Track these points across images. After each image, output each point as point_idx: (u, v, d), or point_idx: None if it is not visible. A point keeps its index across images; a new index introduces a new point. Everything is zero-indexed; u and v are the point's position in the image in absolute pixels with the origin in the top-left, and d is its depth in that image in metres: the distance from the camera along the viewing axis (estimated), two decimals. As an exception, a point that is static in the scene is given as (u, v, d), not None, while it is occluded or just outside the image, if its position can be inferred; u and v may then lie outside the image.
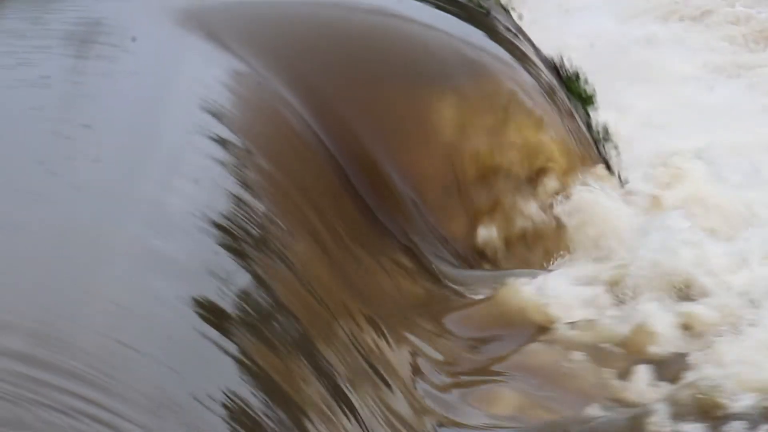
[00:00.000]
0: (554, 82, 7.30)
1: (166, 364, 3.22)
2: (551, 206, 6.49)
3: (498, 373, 5.31)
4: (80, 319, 3.22)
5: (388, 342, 5.10)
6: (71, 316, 3.23)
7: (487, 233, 6.32)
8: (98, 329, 3.19)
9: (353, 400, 4.13)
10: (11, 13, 6.44)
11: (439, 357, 5.32)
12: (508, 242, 6.36)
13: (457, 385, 5.13)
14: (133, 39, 5.85)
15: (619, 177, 7.05)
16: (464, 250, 6.25)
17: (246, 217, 4.52)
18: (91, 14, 6.20)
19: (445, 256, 6.16)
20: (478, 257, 6.24)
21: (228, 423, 3.14)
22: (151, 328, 3.39)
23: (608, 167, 6.97)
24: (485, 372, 5.35)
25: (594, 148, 7.05)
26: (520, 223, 6.42)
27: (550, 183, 6.55)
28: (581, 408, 4.96)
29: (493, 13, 7.74)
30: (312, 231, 5.19)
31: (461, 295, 5.87)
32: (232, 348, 3.50)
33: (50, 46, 5.69)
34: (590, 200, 6.52)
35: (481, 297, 5.80)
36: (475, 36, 7.01)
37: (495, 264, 6.27)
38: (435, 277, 5.97)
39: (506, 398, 5.11)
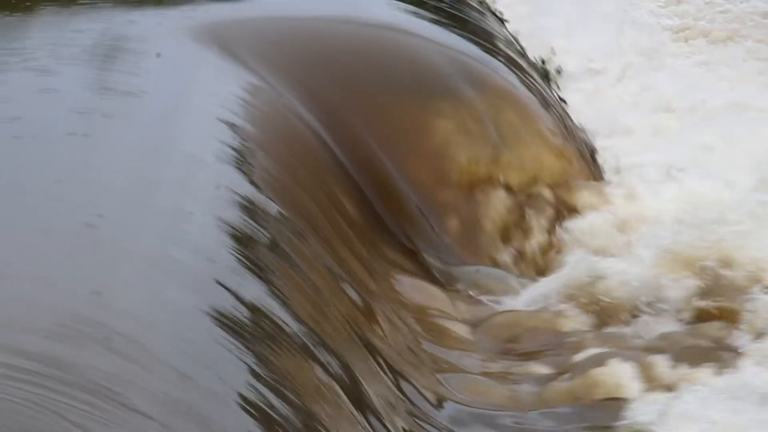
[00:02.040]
0: (549, 92, 7.31)
1: (182, 367, 3.18)
2: (548, 215, 6.47)
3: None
4: (98, 322, 3.18)
5: (396, 342, 5.07)
6: (89, 320, 3.19)
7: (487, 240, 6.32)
8: (116, 332, 3.15)
9: (365, 400, 4.09)
10: (37, 25, 6.49)
11: (442, 351, 5.30)
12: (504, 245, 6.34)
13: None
14: (158, 55, 5.89)
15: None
16: (464, 255, 6.21)
17: (261, 224, 4.50)
18: (113, 29, 6.20)
19: (446, 259, 6.13)
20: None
21: (242, 423, 3.12)
22: (168, 332, 3.36)
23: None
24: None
25: (589, 157, 6.99)
26: (516, 230, 6.39)
27: (546, 193, 6.51)
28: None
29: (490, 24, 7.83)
30: (324, 237, 5.15)
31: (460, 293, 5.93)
32: (247, 351, 3.46)
33: (74, 59, 5.69)
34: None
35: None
36: (477, 51, 7.01)
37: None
38: (436, 279, 5.94)
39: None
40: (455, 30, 7.23)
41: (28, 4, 6.86)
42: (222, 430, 3.02)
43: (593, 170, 6.92)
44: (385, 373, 4.66)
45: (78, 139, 4.69)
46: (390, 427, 4.18)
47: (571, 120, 7.33)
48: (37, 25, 6.57)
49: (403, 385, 4.74)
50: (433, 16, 7.34)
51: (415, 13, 7.30)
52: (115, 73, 5.55)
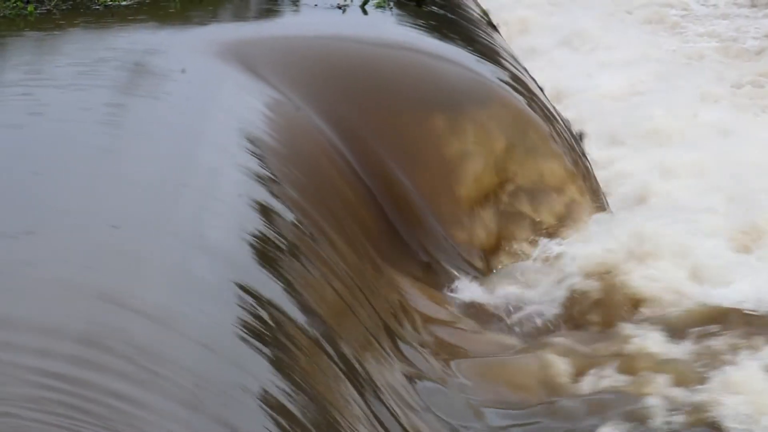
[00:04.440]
0: (550, 106, 7.32)
1: (202, 366, 3.20)
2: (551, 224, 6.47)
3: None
4: (122, 327, 3.19)
5: (407, 341, 5.10)
6: (114, 324, 3.20)
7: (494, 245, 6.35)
8: (139, 337, 3.17)
9: (374, 395, 4.09)
10: (70, 42, 6.69)
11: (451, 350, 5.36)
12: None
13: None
14: (183, 71, 5.94)
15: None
16: (474, 260, 6.26)
17: (281, 228, 4.55)
18: (141, 46, 6.34)
19: (457, 264, 6.19)
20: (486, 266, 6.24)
21: (261, 418, 3.12)
22: (190, 334, 3.36)
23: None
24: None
25: (587, 168, 7.00)
26: (522, 236, 6.42)
27: (552, 202, 6.55)
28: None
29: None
30: (340, 242, 5.19)
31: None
32: (266, 350, 3.47)
33: (104, 74, 5.78)
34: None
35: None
36: (484, 68, 7.07)
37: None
38: (446, 280, 6.04)
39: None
40: (465, 48, 7.27)
41: (78, 21, 7.01)
42: (242, 429, 3.01)
43: (587, 176, 6.94)
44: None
45: (107, 149, 4.74)
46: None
47: (572, 133, 7.36)
48: (73, 41, 6.73)
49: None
50: (442, 36, 7.38)
51: (425, 33, 7.35)
52: (143, 88, 5.62)
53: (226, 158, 5.03)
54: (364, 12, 7.50)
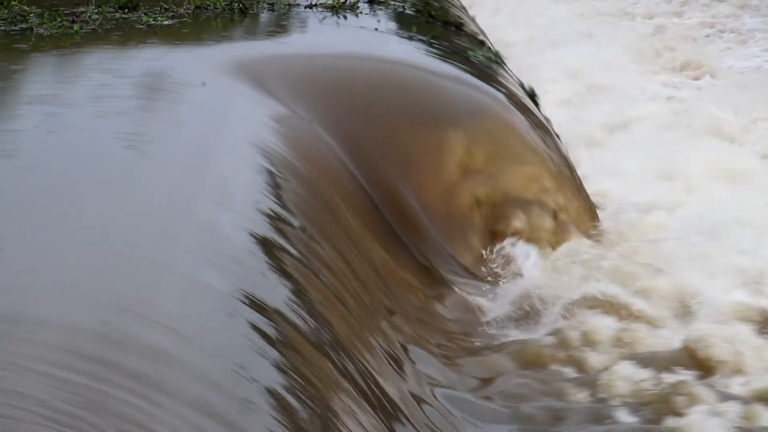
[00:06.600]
0: (542, 119, 7.45)
1: (212, 370, 3.19)
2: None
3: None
4: (134, 331, 3.19)
5: (410, 342, 5.15)
6: (127, 328, 3.20)
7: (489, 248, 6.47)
8: (150, 341, 3.17)
9: (380, 399, 4.11)
10: (93, 60, 6.87)
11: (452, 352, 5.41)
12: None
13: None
14: (203, 84, 6.04)
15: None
16: (468, 263, 6.42)
17: (288, 235, 4.55)
18: (159, 63, 6.54)
19: (452, 268, 6.32)
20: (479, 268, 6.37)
21: (268, 422, 3.11)
22: (199, 338, 3.35)
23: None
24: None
25: (574, 173, 7.14)
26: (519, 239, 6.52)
27: (544, 208, 6.68)
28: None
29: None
30: (345, 248, 5.22)
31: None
32: (274, 355, 3.47)
33: (125, 88, 5.90)
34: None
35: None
36: (480, 83, 7.22)
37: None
38: (445, 285, 6.13)
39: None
40: (460, 65, 7.36)
41: (119, 40, 7.17)
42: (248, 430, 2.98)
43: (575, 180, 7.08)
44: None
45: (128, 155, 4.79)
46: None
47: (556, 135, 7.50)
48: (98, 58, 6.91)
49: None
50: (441, 53, 7.48)
51: (424, 50, 7.47)
52: (160, 101, 5.74)
53: (238, 168, 5.10)
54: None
